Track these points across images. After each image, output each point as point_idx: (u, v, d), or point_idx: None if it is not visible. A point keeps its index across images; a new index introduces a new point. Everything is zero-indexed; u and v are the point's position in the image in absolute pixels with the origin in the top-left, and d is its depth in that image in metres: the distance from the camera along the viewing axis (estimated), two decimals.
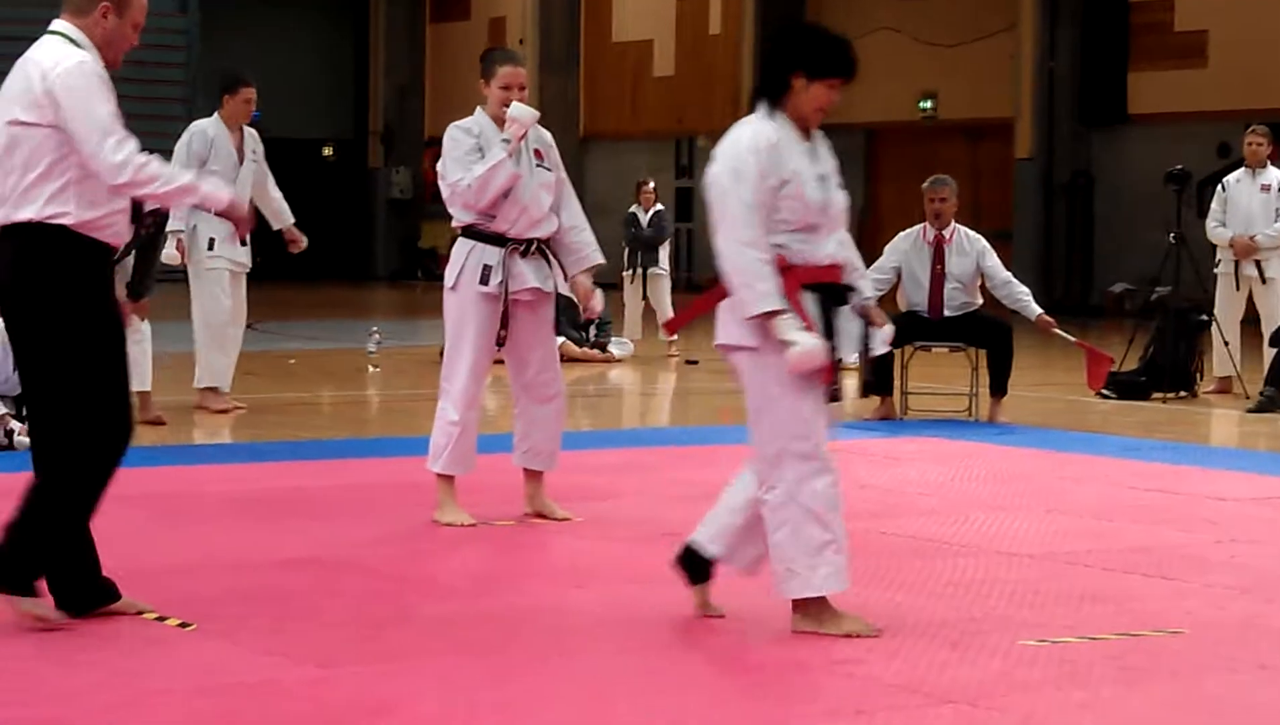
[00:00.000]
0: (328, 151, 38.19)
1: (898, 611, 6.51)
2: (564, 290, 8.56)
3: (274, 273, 12.90)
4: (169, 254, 12.49)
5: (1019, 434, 12.35)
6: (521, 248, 8.32)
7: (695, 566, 6.40)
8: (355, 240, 37.38)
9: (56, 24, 6.27)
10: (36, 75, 6.12)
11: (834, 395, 6.20)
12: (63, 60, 6.10)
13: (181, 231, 12.37)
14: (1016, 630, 6.25)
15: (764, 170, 6.08)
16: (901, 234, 13.52)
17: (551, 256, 8.44)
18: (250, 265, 12.76)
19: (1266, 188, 15.16)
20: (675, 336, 18.31)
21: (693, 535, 6.42)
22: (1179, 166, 15.76)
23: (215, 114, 12.64)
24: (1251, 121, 16.35)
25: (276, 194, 12.91)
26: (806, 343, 5.98)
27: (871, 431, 12.46)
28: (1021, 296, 13.16)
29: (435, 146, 40.04)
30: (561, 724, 5.17)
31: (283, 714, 5.19)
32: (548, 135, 8.54)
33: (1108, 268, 28.03)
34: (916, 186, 14.08)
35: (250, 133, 12.66)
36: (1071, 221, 28.95)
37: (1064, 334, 13.30)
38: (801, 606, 6.16)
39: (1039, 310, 13.19)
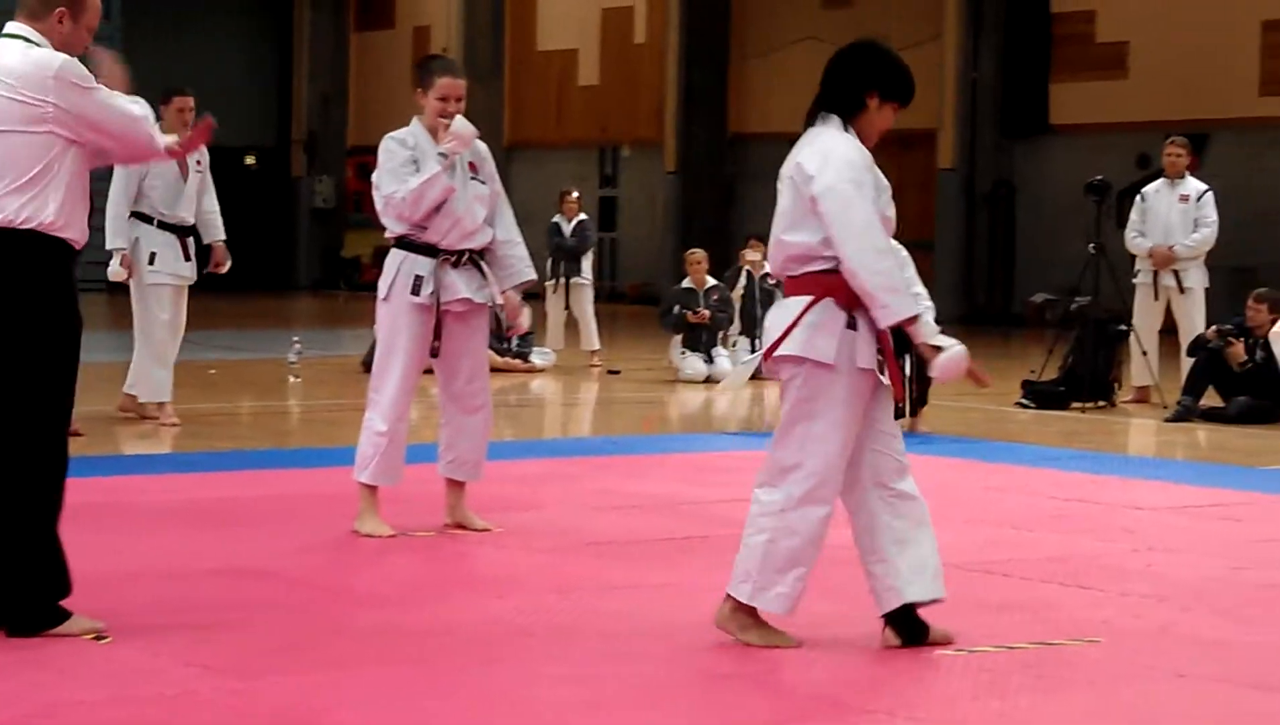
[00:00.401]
0: (250, 160, 38.01)
1: (817, 621, 6.53)
2: (497, 303, 8.55)
3: (195, 281, 12.83)
4: (115, 271, 12.38)
5: (939, 444, 12.39)
6: (454, 259, 8.33)
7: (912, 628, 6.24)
8: (277, 249, 37.19)
9: (12, 26, 6.22)
10: (13, 80, 6.05)
11: (900, 411, 6.28)
12: (47, 61, 6.07)
13: (125, 249, 12.30)
14: (936, 640, 6.28)
15: (872, 183, 6.16)
16: None
17: (485, 268, 8.44)
18: (194, 278, 12.66)
19: (1185, 198, 15.28)
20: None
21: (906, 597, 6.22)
22: (1099, 177, 15.88)
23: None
24: (1171, 133, 16.51)
25: (212, 207, 12.82)
26: (955, 348, 6.11)
27: None
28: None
29: (359, 156, 39.57)
30: None
31: None
32: (483, 147, 8.55)
33: (1029, 278, 28.20)
34: None
35: None
36: (993, 231, 29.11)
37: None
38: (735, 606, 6.18)
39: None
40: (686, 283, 17.97)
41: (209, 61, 36.20)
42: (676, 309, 17.71)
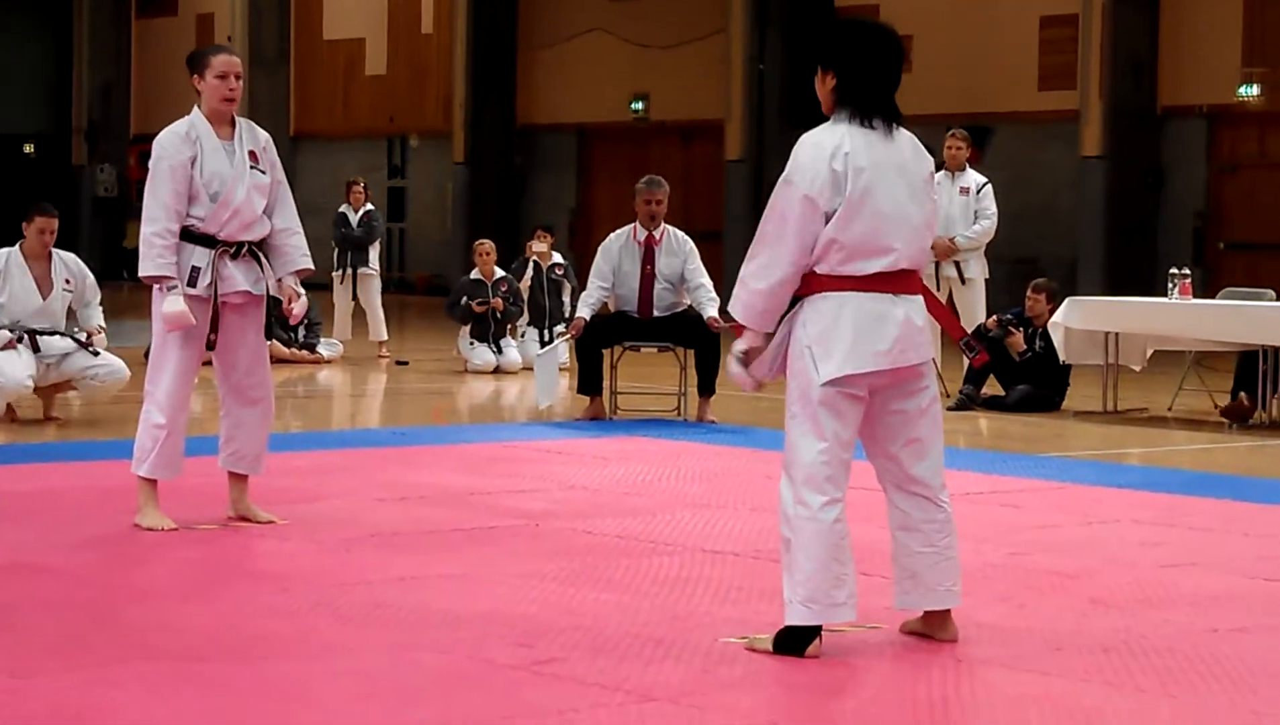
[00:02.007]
0: (28, 148, 37.31)
1: (603, 610, 6.54)
2: (274, 292, 8.46)
3: None
4: None
5: (726, 433, 12.49)
6: (232, 250, 8.22)
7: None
8: (58, 239, 36.56)
9: None
10: None
11: None
12: None
13: None
14: (718, 628, 6.32)
15: None
16: (613, 235, 13.59)
17: (263, 259, 8.35)
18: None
19: (965, 190, 15.51)
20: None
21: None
22: None
23: (17, 245, 12.53)
24: (952, 125, 16.74)
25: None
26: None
27: (580, 431, 12.53)
28: (703, 298, 13.25)
29: (141, 144, 39.06)
30: None
31: None
32: (264, 135, 8.42)
33: None
34: (629, 187, 14.15)
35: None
36: None
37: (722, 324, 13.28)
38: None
39: (713, 313, 13.18)
40: (475, 274, 17.93)
41: None
42: (464, 300, 17.67)
